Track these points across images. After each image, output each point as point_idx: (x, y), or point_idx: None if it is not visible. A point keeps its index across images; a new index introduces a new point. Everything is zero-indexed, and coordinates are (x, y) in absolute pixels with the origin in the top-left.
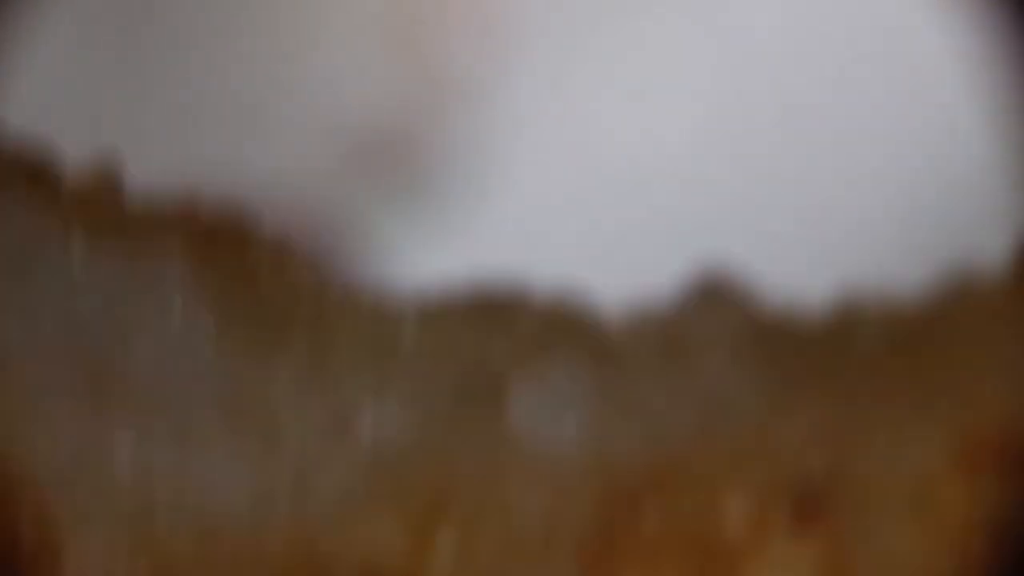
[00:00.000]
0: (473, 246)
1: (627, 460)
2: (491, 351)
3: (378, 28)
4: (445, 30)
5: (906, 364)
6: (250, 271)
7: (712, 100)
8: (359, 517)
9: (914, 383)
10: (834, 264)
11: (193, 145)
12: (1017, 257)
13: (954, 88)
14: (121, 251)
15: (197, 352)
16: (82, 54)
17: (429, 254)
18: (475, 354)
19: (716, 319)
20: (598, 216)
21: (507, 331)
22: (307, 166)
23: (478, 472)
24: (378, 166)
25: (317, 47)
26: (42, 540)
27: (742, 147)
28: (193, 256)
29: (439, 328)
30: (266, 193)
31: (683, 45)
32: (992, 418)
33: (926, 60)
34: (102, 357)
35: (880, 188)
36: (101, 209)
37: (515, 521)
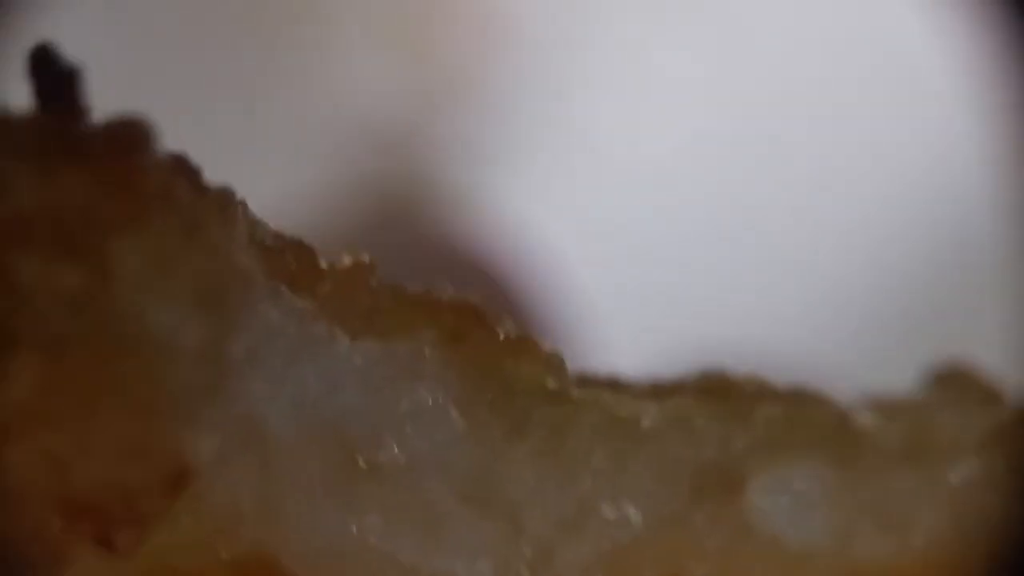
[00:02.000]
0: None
1: (872, 560)
2: (730, 442)
3: (386, 29)
4: (451, 31)
5: None
6: (494, 359)
7: (710, 104)
8: None
9: None
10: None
11: (201, 145)
12: None
13: (952, 98)
14: (377, 344)
15: (444, 440)
16: (86, 53)
17: None
18: (713, 444)
19: (962, 414)
20: (599, 215)
21: (745, 422)
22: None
23: (715, 566)
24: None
25: (325, 48)
26: None
27: (738, 151)
28: (441, 344)
29: (677, 417)
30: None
31: (682, 51)
32: None
33: (923, 69)
34: (355, 445)
35: (874, 194)
36: (356, 298)
37: None
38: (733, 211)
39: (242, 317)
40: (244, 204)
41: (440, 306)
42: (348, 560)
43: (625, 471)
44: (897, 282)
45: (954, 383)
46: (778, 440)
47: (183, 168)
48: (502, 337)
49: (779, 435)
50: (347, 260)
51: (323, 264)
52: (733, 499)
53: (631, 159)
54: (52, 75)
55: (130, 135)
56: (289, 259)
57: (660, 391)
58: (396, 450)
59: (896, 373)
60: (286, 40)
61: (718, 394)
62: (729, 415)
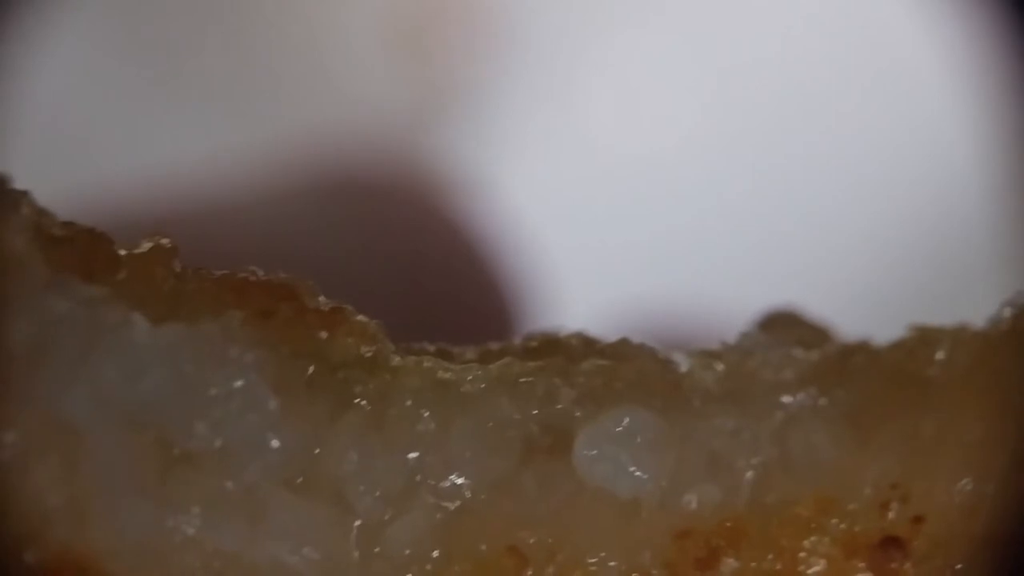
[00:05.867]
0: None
1: (700, 505)
2: (554, 398)
3: (383, 30)
4: (447, 33)
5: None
6: (306, 332)
7: (705, 106)
8: None
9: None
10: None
11: (200, 143)
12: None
13: (945, 98)
14: (180, 327)
15: (260, 424)
16: (90, 55)
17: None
18: (538, 402)
19: (784, 358)
20: (591, 214)
21: (569, 376)
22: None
23: (549, 529)
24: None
25: (323, 49)
26: None
27: (733, 153)
28: (251, 328)
29: (500, 377)
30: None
31: (676, 53)
32: None
33: (916, 68)
34: (165, 433)
35: (866, 190)
36: (157, 285)
37: (590, 570)
38: (729, 211)
39: (22, 306)
40: (27, 194)
41: (248, 286)
42: (167, 554)
43: (450, 438)
44: (892, 280)
45: (778, 326)
46: (602, 391)
47: None
48: (313, 315)
49: (602, 386)
50: (145, 245)
51: (120, 252)
52: (561, 457)
53: (627, 156)
54: None
55: None
56: (80, 248)
57: (486, 355)
58: (209, 436)
59: None
60: (286, 39)
61: (542, 352)
62: (552, 371)
